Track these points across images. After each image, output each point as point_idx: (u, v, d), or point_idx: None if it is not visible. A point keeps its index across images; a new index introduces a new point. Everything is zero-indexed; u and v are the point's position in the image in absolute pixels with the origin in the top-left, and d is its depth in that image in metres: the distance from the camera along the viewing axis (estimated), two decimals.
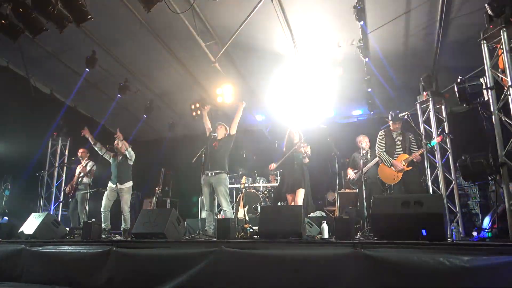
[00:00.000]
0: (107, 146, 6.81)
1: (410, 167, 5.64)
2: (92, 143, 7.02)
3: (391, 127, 5.96)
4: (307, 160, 5.73)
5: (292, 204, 5.70)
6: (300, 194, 5.63)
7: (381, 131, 6.05)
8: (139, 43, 6.96)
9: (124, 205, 6.72)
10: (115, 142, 6.94)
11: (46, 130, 8.67)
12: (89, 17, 4.93)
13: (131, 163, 6.93)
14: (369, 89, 7.81)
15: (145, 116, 9.37)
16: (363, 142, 6.46)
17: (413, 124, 5.91)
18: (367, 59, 6.70)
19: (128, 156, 6.77)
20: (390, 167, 5.74)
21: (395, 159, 5.72)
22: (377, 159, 6.23)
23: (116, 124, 10.39)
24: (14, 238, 5.40)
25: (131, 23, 6.32)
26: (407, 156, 5.65)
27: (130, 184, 6.86)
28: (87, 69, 7.24)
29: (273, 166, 6.08)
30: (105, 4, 5.87)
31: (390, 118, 5.94)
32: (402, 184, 5.69)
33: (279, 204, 6.44)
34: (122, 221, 6.71)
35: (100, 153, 6.89)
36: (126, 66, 7.94)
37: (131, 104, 9.37)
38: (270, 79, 8.31)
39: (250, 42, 6.93)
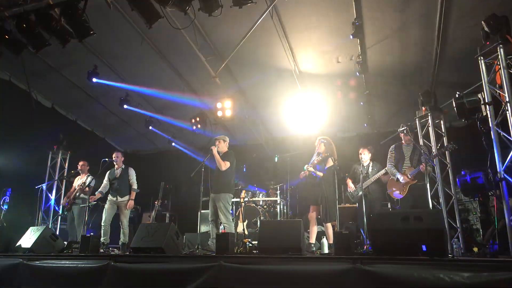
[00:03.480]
0: (107, 159, 6.80)
1: (416, 181, 5.63)
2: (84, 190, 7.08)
3: (402, 140, 5.99)
4: (320, 174, 5.68)
5: (313, 215, 5.68)
6: (319, 209, 5.62)
7: (392, 146, 6.08)
8: (140, 58, 7.04)
9: (123, 219, 6.70)
10: (114, 156, 6.95)
11: (47, 143, 8.68)
12: (91, 32, 4.99)
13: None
14: (362, 103, 7.88)
15: (150, 127, 9.41)
16: (364, 154, 6.47)
17: (412, 139, 5.92)
18: (363, 75, 6.77)
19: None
20: (397, 180, 5.76)
21: (403, 173, 5.75)
22: (378, 174, 6.24)
23: (117, 138, 10.51)
24: (11, 252, 5.35)
25: (133, 38, 6.40)
26: (413, 169, 5.66)
27: (129, 197, 6.85)
28: (93, 81, 7.29)
29: (310, 168, 5.75)
30: (107, 19, 5.96)
31: (400, 129, 5.98)
32: (410, 198, 5.68)
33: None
34: (121, 235, 6.67)
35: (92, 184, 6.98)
36: (127, 80, 8.01)
37: (132, 118, 9.42)
38: (270, 93, 8.37)
39: (250, 57, 7.01)
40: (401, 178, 5.69)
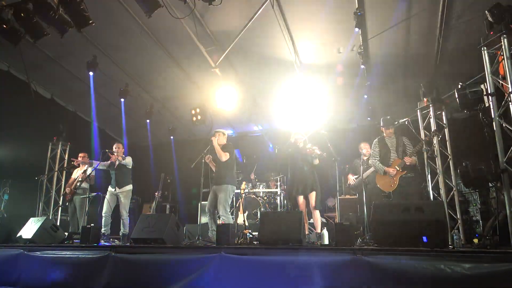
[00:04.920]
0: (107, 150, 6.78)
1: (405, 172, 5.58)
2: (89, 166, 7.03)
3: (384, 134, 5.95)
4: (317, 161, 5.70)
5: (302, 207, 5.72)
6: (313, 196, 5.63)
7: (375, 140, 6.04)
8: (139, 48, 6.97)
9: (122, 210, 6.69)
10: (114, 146, 6.93)
11: (46, 135, 8.66)
12: (90, 22, 4.94)
13: (130, 167, 6.94)
14: (366, 96, 7.84)
15: (148, 121, 9.37)
16: (364, 148, 6.52)
17: (413, 130, 5.89)
18: (365, 66, 6.71)
19: (125, 164, 6.81)
20: (384, 174, 5.72)
21: (390, 165, 5.69)
22: None
23: (116, 129, 10.48)
24: (12, 243, 5.36)
25: (132, 28, 6.33)
26: (400, 160, 5.62)
27: (129, 188, 6.84)
28: (91, 73, 7.26)
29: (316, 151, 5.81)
30: (106, 9, 5.89)
31: (381, 124, 5.97)
32: (402, 190, 5.65)
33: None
34: (121, 225, 6.67)
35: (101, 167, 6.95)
36: (127, 71, 7.95)
37: (131, 109, 9.37)
38: (271, 84, 8.32)
39: (250, 47, 6.94)
40: (389, 171, 5.64)
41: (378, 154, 5.89)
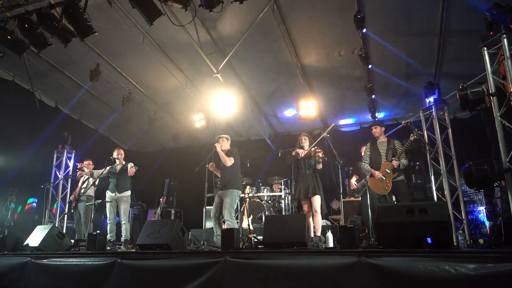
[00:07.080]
0: (111, 158, 6.83)
1: (396, 174, 5.50)
2: (89, 176, 7.13)
3: (375, 136, 5.86)
4: (320, 166, 5.68)
5: (306, 210, 5.69)
6: (317, 201, 5.58)
7: (367, 144, 5.98)
8: (142, 55, 7.04)
9: (123, 215, 6.69)
10: (115, 152, 6.97)
11: (51, 143, 8.73)
12: (93, 31, 5.00)
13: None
14: (374, 96, 7.82)
15: (150, 127, 9.42)
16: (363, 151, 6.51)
17: (415, 131, 5.88)
18: (369, 66, 6.73)
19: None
20: (372, 177, 5.69)
21: (380, 169, 5.65)
22: None
23: (120, 135, 10.55)
24: (19, 251, 5.40)
25: (134, 36, 6.41)
26: (389, 164, 5.56)
27: (128, 193, 6.87)
28: (90, 82, 7.35)
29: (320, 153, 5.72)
30: (108, 17, 5.96)
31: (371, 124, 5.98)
32: (393, 193, 5.55)
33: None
34: (122, 231, 6.67)
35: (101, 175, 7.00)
36: (130, 78, 8.02)
37: (135, 116, 9.45)
38: (273, 88, 8.36)
39: (252, 52, 6.99)
40: (375, 174, 5.59)
41: (368, 157, 5.84)
